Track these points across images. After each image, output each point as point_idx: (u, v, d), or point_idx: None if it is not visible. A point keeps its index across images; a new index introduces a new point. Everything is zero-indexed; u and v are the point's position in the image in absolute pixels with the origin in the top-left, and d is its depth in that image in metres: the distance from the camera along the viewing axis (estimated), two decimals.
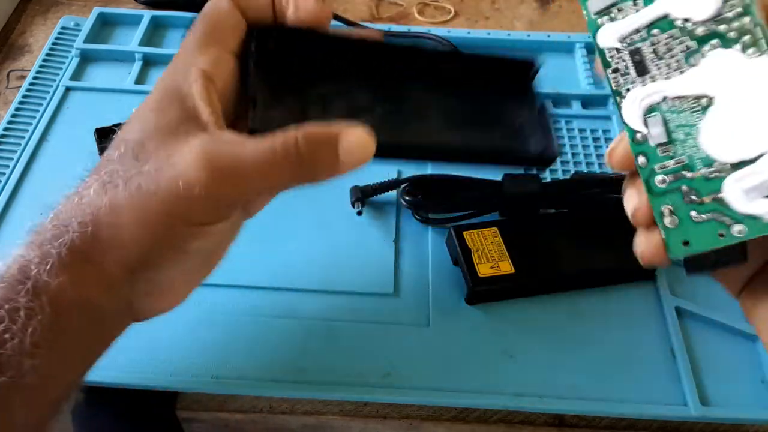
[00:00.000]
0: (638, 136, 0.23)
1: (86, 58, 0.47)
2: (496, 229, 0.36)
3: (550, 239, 0.37)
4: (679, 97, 0.22)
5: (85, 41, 0.48)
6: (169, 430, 0.35)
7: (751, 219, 0.21)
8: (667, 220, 0.22)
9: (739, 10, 0.21)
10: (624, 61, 0.23)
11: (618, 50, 0.23)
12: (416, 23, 0.53)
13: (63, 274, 0.22)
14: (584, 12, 0.24)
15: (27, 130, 0.43)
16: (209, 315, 0.35)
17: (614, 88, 0.23)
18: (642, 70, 0.23)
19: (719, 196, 0.21)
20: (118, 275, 0.23)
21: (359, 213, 0.39)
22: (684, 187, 0.22)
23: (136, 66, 0.47)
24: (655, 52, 0.23)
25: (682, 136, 0.22)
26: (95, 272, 0.23)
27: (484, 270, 0.35)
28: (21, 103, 0.44)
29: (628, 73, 0.23)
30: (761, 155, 0.20)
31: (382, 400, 0.33)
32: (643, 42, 0.23)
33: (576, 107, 0.45)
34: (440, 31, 0.50)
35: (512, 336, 0.35)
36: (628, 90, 0.23)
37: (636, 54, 0.23)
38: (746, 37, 0.21)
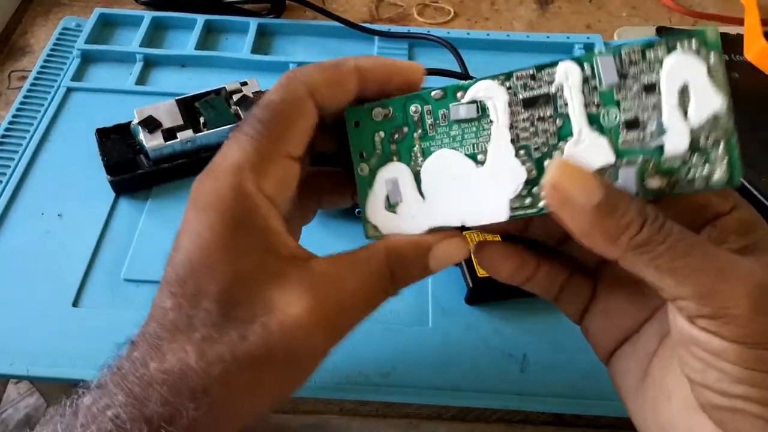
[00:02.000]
0: (434, 94, 0.22)
1: (87, 59, 0.48)
2: None
3: None
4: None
5: (86, 42, 0.48)
6: None
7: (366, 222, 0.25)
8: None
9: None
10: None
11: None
12: (416, 24, 0.54)
13: None
14: None
15: (28, 131, 0.43)
16: None
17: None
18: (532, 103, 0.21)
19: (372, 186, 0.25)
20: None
21: (359, 213, 0.39)
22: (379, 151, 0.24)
23: (137, 67, 0.47)
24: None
25: (441, 141, 0.22)
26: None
27: (483, 270, 0.35)
28: (22, 103, 0.44)
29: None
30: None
31: (382, 399, 0.33)
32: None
33: None
34: (440, 32, 0.50)
35: (512, 336, 0.35)
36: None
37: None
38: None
